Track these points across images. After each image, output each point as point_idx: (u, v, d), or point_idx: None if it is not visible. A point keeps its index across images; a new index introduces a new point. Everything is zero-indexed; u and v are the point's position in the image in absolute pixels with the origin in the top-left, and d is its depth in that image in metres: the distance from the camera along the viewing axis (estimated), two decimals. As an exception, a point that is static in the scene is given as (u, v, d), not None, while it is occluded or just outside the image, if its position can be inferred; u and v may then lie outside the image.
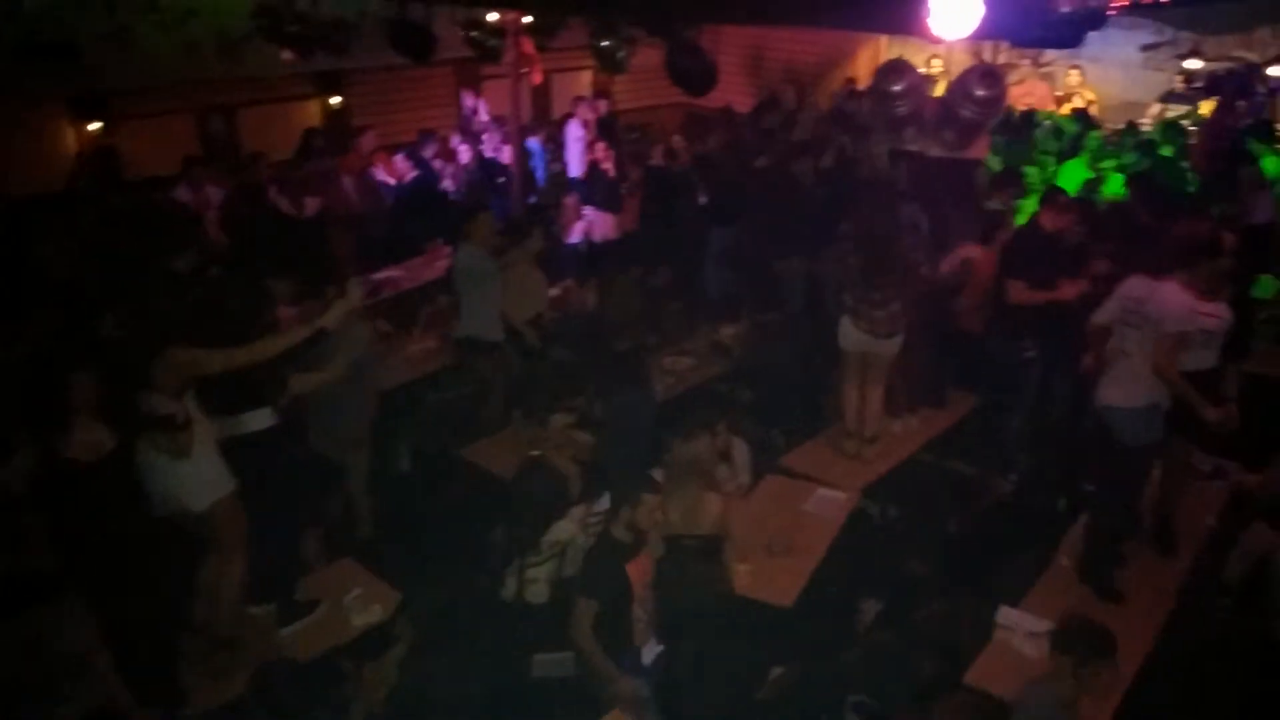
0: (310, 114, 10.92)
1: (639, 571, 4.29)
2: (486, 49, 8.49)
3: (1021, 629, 4.32)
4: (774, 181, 8.51)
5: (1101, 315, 4.83)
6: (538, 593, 4.76)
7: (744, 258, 8.67)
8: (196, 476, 4.06)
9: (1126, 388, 4.62)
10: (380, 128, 10.42)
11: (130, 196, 8.54)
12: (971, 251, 6.39)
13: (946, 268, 6.35)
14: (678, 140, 9.49)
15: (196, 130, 10.23)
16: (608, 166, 9.63)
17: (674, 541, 4.46)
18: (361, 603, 4.65)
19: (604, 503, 5.06)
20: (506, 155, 10.14)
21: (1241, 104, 9.32)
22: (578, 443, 5.24)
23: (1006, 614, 4.42)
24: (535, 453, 5.01)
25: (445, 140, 10.46)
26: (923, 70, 9.59)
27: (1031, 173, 8.93)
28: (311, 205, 8.93)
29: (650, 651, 4.32)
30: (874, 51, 11.91)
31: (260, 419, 4.49)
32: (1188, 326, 4.49)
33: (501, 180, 10.18)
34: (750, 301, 8.14)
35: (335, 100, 10.96)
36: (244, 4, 7.86)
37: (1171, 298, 4.52)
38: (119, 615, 3.98)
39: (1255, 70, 9.89)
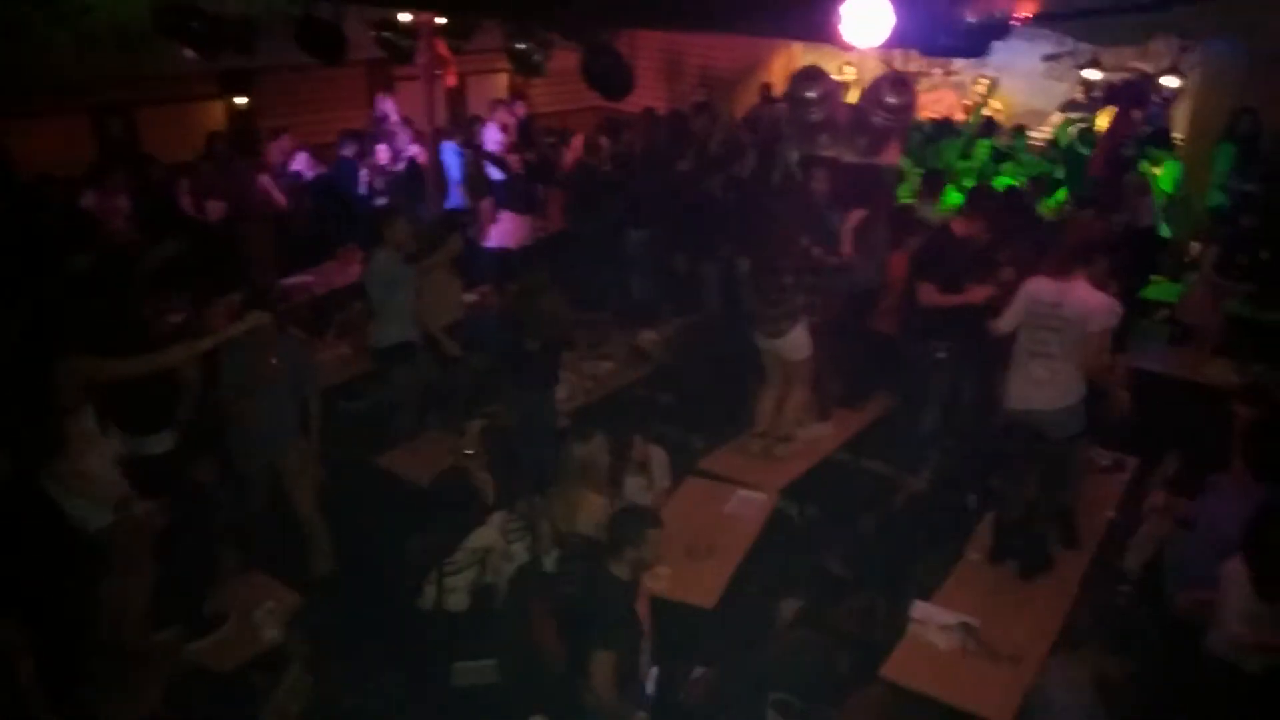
0: (215, 115, 10.61)
1: (642, 602, 4.20)
2: (399, 50, 8.36)
3: (934, 622, 4.40)
4: (692, 186, 8.57)
5: (1007, 322, 4.92)
6: (458, 601, 4.69)
7: (663, 262, 8.72)
8: (95, 494, 3.92)
9: (1052, 389, 4.74)
10: (289, 129, 10.20)
11: (20, 198, 8.17)
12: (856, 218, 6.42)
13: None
14: (602, 138, 9.51)
15: (93, 131, 9.85)
16: (518, 170, 9.58)
17: (561, 539, 4.52)
18: (272, 616, 4.53)
19: (527, 507, 5.03)
20: (421, 158, 10.01)
21: (1137, 113, 9.74)
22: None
23: (920, 608, 4.50)
24: (453, 459, 4.95)
25: (365, 141, 10.31)
26: (836, 77, 9.78)
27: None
28: (215, 209, 8.68)
29: (652, 680, 4.23)
30: (788, 58, 12.09)
31: (160, 443, 4.36)
32: (1111, 322, 4.67)
33: (416, 183, 10.03)
34: (670, 305, 8.19)
35: (241, 101, 10.65)
36: (145, -1, 7.61)
37: (1090, 297, 4.68)
38: (30, 630, 3.83)
39: (1150, 80, 10.35)
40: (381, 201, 9.68)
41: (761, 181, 8.17)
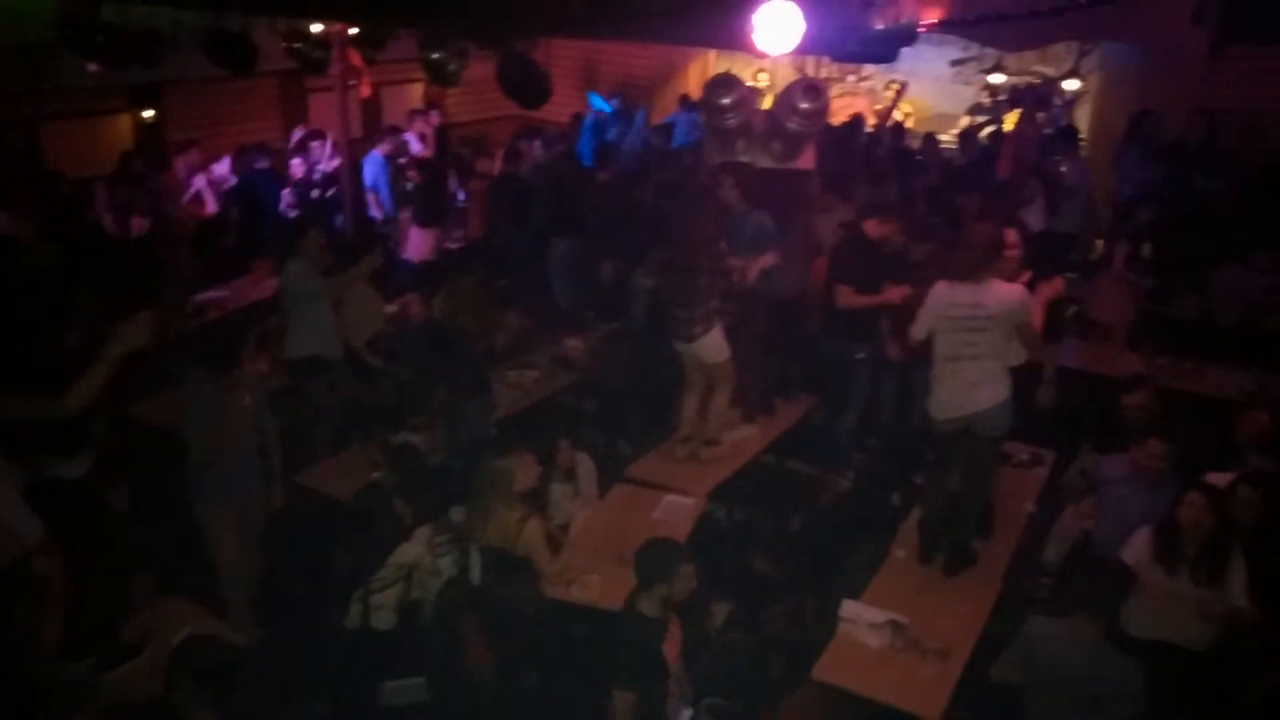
0: (122, 129, 10.28)
1: (672, 642, 4.02)
2: (311, 61, 8.20)
3: (864, 620, 4.46)
4: (618, 194, 8.59)
5: (920, 328, 4.93)
6: (384, 619, 4.61)
7: (587, 269, 8.71)
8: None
9: (986, 389, 4.79)
10: (200, 142, 9.95)
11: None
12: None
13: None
14: (523, 145, 9.47)
15: (-8, 145, 9.47)
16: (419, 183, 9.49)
17: (484, 551, 4.50)
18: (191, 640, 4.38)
19: (452, 521, 4.97)
20: (336, 170, 9.87)
21: (1041, 115, 10.05)
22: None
23: (849, 607, 4.55)
24: (376, 474, 4.87)
25: (279, 153, 10.10)
26: (751, 84, 9.89)
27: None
28: (138, 226, 8.45)
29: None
30: (704, 66, 12.20)
31: (74, 468, 4.20)
32: (1026, 315, 4.78)
33: (332, 195, 9.88)
34: (595, 313, 8.19)
35: (149, 114, 10.35)
36: (47, 11, 7.31)
37: (1007, 291, 4.74)
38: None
39: (1052, 83, 10.71)
40: (295, 214, 9.50)
41: (682, 188, 8.21)
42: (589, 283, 8.69)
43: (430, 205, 9.28)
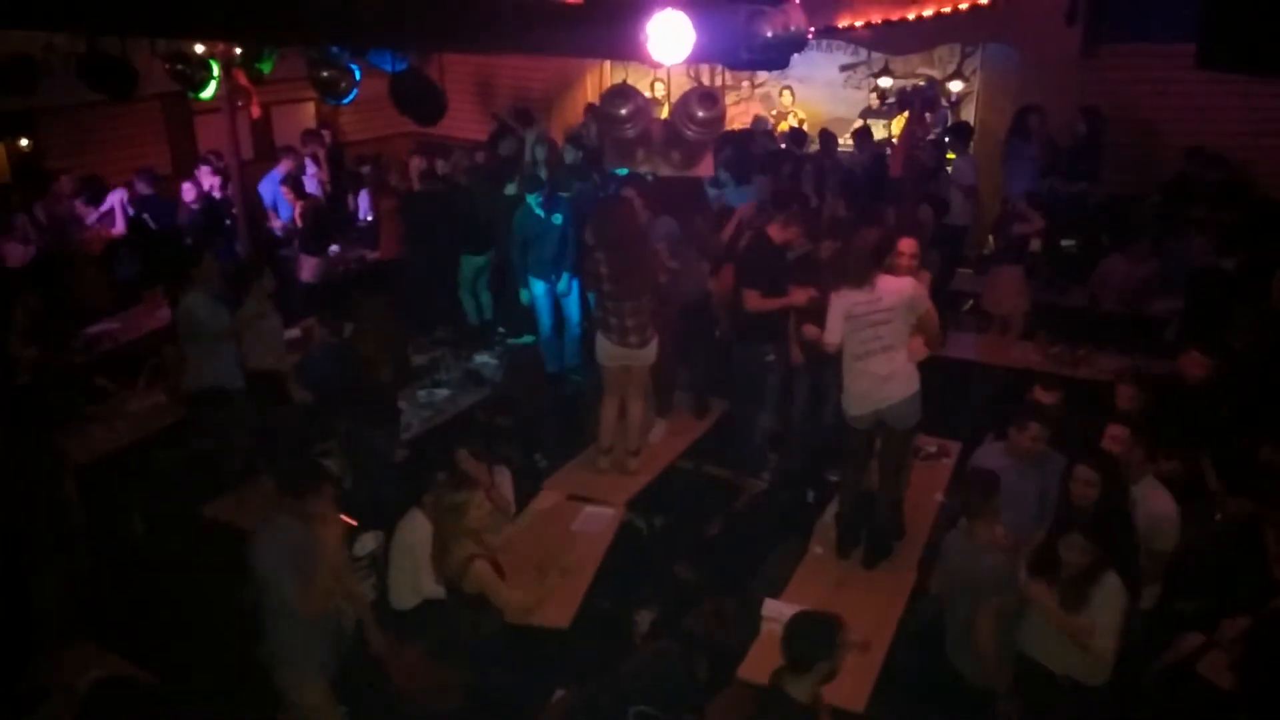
0: (-4, 158, 9.82)
1: None
2: (195, 82, 7.96)
3: (785, 618, 4.46)
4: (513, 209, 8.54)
5: (833, 332, 5.03)
6: (302, 650, 4.49)
7: (497, 285, 8.66)
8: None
9: (896, 381, 4.93)
10: (81, 170, 9.56)
11: None
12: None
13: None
14: (419, 161, 9.35)
15: None
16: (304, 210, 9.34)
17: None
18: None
19: (366, 547, 4.87)
20: (225, 193, 9.61)
21: (929, 116, 10.36)
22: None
23: (770, 605, 4.60)
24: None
25: (165, 180, 9.77)
26: (648, 94, 9.97)
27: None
28: (15, 255, 8.09)
29: None
30: (599, 77, 12.24)
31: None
32: (921, 305, 4.92)
33: (228, 221, 9.60)
34: (505, 328, 8.13)
35: (24, 142, 9.89)
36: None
37: (900, 284, 4.92)
38: None
39: (938, 85, 11.06)
40: (187, 241, 9.21)
41: (590, 200, 8.22)
42: (498, 297, 8.64)
43: (315, 237, 9.08)
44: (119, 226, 9.37)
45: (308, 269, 9.17)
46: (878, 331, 4.89)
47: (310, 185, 10.28)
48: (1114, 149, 9.47)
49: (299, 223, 9.47)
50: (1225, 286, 6.97)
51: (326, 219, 9.59)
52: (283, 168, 9.86)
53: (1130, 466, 4.49)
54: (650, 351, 5.84)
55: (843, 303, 4.95)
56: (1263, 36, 6.16)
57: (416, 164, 9.41)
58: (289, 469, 4.20)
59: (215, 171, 9.77)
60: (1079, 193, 9.22)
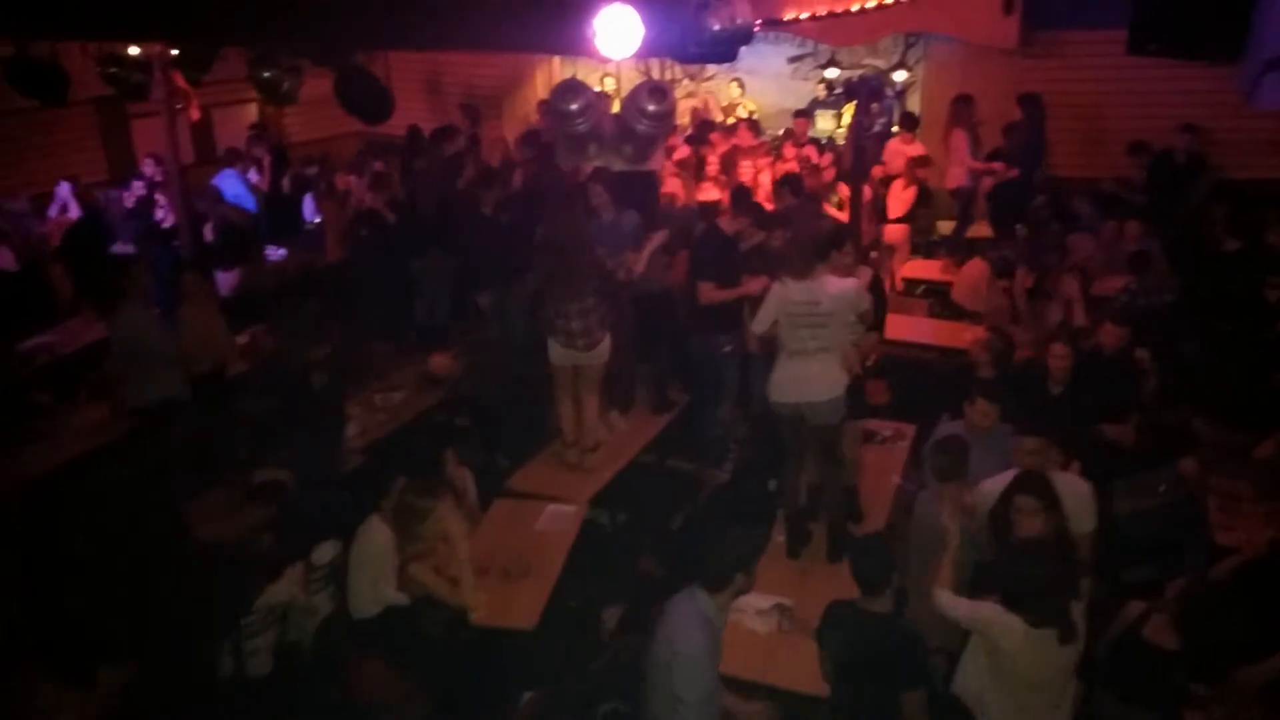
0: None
1: None
2: (130, 86, 7.75)
3: (751, 608, 4.52)
4: (463, 209, 8.46)
5: (760, 321, 5.09)
6: (260, 664, 4.42)
7: (447, 285, 8.57)
8: None
9: (819, 384, 4.95)
10: (10, 178, 9.29)
11: None
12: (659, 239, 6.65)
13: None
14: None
15: None
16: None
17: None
18: (44, 716, 4.06)
19: (324, 556, 4.79)
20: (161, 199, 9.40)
21: (875, 106, 10.44)
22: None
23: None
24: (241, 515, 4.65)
25: (88, 189, 9.55)
26: (598, 89, 9.93)
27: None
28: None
29: None
30: (549, 73, 12.16)
31: None
32: (863, 304, 4.94)
33: (167, 226, 9.39)
34: (458, 327, 8.05)
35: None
36: None
37: (841, 287, 4.93)
38: None
39: (883, 75, 11.16)
40: (125, 250, 9.00)
41: (539, 197, 8.17)
42: (450, 298, 8.56)
43: (228, 253, 8.89)
44: (74, 212, 9.19)
45: (225, 283, 8.94)
46: (814, 333, 4.92)
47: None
48: (1054, 135, 9.64)
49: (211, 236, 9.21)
50: (1228, 267, 7.13)
51: (244, 236, 9.33)
52: (236, 167, 9.70)
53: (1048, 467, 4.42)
54: (600, 353, 5.78)
55: (781, 295, 4.95)
56: (1188, 23, 6.35)
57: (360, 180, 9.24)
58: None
59: (149, 177, 9.57)
60: (1022, 180, 9.36)
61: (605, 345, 5.78)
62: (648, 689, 3.63)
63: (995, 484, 4.30)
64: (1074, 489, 4.35)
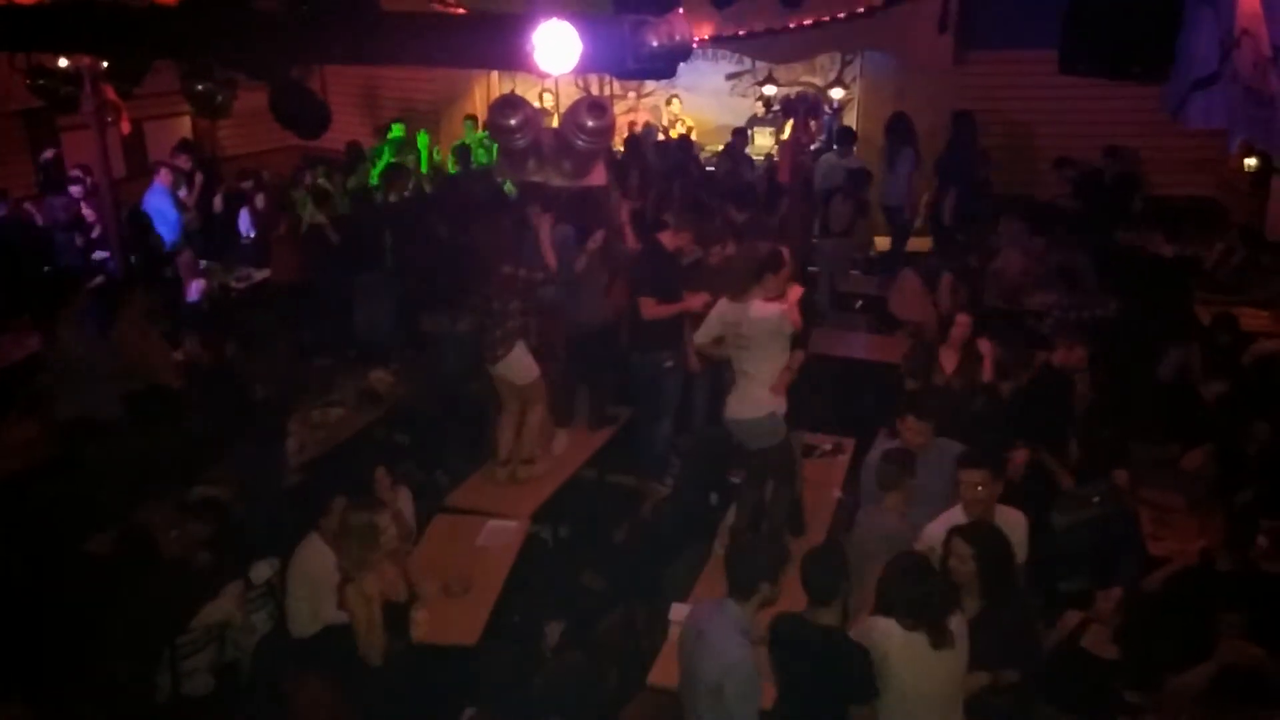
0: None
1: None
2: (59, 98, 7.56)
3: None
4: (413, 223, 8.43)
5: (702, 335, 5.20)
6: (200, 684, 4.35)
7: (389, 302, 8.50)
8: None
9: (748, 401, 5.03)
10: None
11: None
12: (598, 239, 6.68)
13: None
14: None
15: None
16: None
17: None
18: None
19: (262, 575, 4.71)
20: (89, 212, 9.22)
21: (814, 123, 10.64)
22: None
23: (678, 609, 4.59)
24: (174, 533, 4.56)
25: (18, 202, 9.31)
26: (537, 104, 9.94)
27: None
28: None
29: None
30: (487, 87, 12.17)
31: None
32: (787, 329, 5.00)
33: (96, 239, 9.20)
34: (401, 343, 7.98)
35: None
36: None
37: (764, 310, 4.92)
38: None
39: (821, 92, 11.36)
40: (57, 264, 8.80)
41: (483, 212, 8.14)
42: (392, 314, 8.49)
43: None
44: None
45: (195, 289, 8.86)
46: (740, 355, 5.02)
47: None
48: (987, 151, 9.88)
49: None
50: (1166, 271, 7.33)
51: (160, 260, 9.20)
52: (162, 179, 9.51)
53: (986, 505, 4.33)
54: (512, 366, 5.71)
55: (719, 312, 5.07)
56: (1117, 44, 6.58)
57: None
58: None
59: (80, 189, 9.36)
60: (960, 195, 9.58)
61: (516, 360, 5.71)
62: None
63: (939, 527, 4.23)
64: (1011, 523, 4.33)
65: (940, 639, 3.49)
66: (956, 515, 4.29)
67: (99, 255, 9.13)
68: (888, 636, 3.52)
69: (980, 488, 4.29)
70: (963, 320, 5.90)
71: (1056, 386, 5.83)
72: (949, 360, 5.91)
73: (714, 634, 3.49)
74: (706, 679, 3.47)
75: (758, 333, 4.92)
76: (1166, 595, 4.63)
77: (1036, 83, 9.59)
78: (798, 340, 5.23)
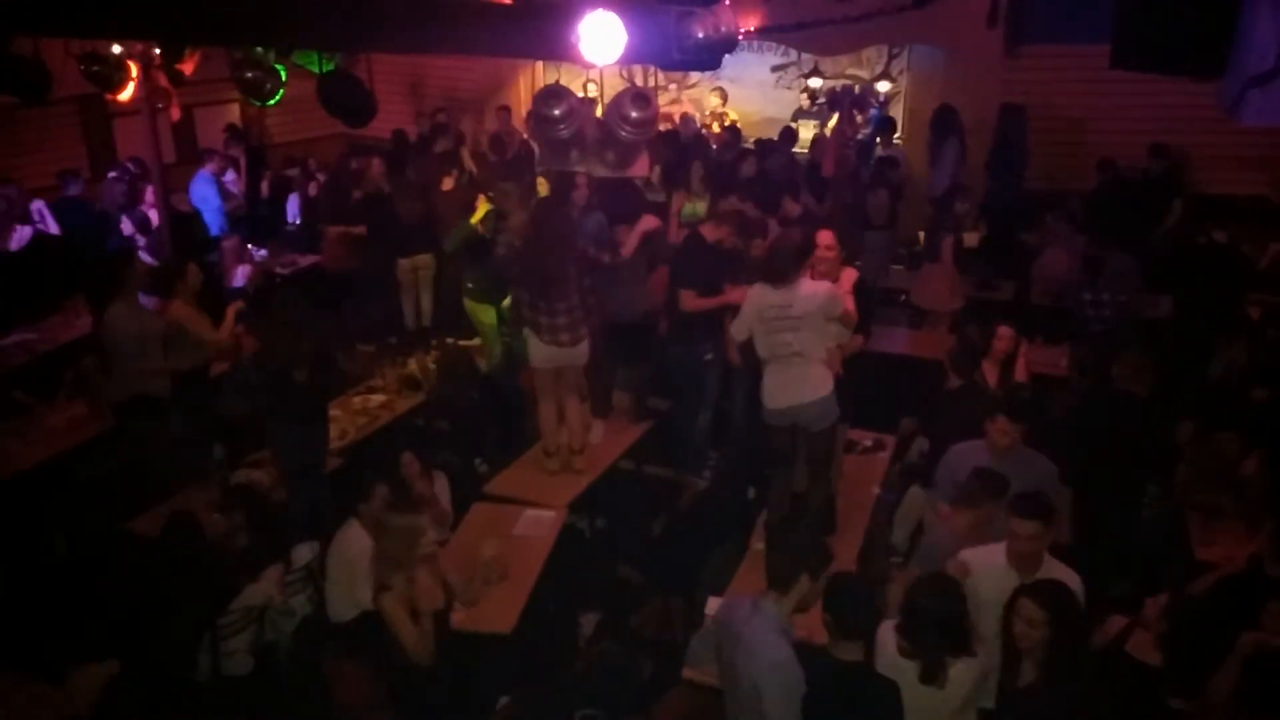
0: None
1: None
2: (112, 84, 7.72)
3: (726, 614, 4.52)
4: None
5: (741, 330, 5.15)
6: (239, 664, 4.40)
7: (432, 289, 8.57)
8: None
9: (810, 383, 5.00)
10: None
11: None
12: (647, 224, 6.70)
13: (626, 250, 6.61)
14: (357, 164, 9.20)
15: None
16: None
17: None
18: (23, 713, 4.02)
19: (302, 558, 4.77)
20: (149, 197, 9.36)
21: (860, 116, 10.53)
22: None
23: (714, 604, 4.57)
24: (216, 516, 4.63)
25: (89, 182, 9.52)
26: (580, 94, 9.94)
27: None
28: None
29: None
30: (531, 78, 12.18)
31: None
32: (838, 308, 4.99)
33: (147, 224, 9.36)
34: (440, 330, 8.05)
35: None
36: None
37: (814, 289, 4.99)
38: None
39: (867, 86, 11.24)
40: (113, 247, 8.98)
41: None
42: (435, 301, 8.56)
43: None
44: (51, 228, 9.16)
45: (240, 275, 8.98)
46: (786, 338, 4.97)
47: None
48: (1036, 147, 9.72)
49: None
50: (1218, 260, 7.22)
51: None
52: (210, 167, 9.66)
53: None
54: (582, 351, 5.79)
55: (756, 301, 5.02)
56: (1171, 38, 6.42)
57: (378, 166, 9.21)
58: None
59: (125, 176, 9.53)
60: (1004, 189, 9.46)
61: (586, 345, 5.79)
62: None
63: (986, 558, 3.93)
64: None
65: (931, 676, 3.37)
66: (998, 556, 3.92)
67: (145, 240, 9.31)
68: (883, 647, 3.45)
69: (1031, 539, 3.82)
70: (1004, 333, 5.68)
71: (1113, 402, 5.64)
72: (990, 373, 5.73)
73: (752, 636, 3.40)
74: (747, 682, 3.38)
75: (810, 310, 4.92)
76: (1213, 601, 4.53)
77: (1086, 78, 9.40)
78: (854, 324, 5.20)
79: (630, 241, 6.47)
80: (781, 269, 4.96)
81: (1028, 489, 4.14)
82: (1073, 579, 3.81)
